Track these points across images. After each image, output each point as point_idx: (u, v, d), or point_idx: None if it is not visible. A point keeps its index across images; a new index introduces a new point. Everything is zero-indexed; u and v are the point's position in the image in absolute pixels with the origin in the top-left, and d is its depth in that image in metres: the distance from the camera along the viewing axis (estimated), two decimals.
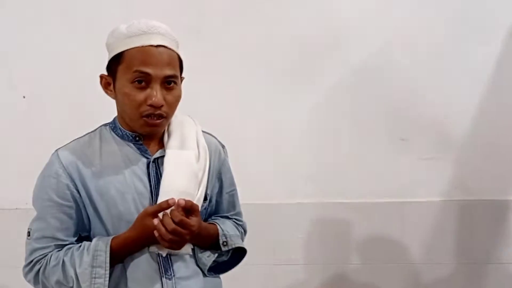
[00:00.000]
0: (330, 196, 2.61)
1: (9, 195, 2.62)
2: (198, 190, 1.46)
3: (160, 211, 1.35)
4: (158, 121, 1.42)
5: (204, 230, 1.49)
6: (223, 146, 1.68)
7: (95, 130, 1.55)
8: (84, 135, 1.54)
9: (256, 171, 2.60)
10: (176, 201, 1.34)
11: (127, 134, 1.49)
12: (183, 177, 1.43)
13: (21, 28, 2.63)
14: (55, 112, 2.64)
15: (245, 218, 2.42)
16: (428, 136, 2.59)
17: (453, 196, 2.59)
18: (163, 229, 1.32)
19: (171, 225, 1.32)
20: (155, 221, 1.33)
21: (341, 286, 2.64)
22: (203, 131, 1.60)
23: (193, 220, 1.36)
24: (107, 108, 2.38)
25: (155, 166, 1.48)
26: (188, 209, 1.36)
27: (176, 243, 1.35)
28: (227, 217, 1.68)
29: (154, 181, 1.46)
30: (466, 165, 2.60)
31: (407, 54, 2.57)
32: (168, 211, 1.35)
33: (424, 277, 2.63)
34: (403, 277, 2.63)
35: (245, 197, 2.48)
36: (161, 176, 1.44)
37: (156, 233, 1.33)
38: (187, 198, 1.37)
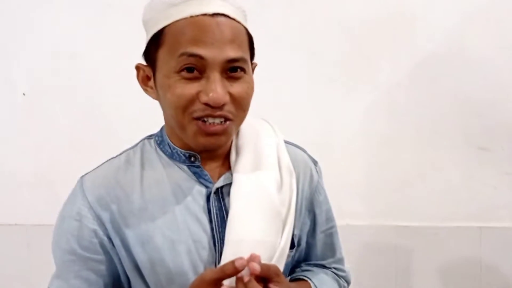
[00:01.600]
0: (387, 217, 2.24)
1: (6, 208, 2.37)
2: (282, 235, 1.05)
3: (223, 278, 0.94)
4: (220, 127, 0.99)
5: None
6: (315, 163, 1.25)
7: (136, 145, 1.16)
8: (121, 154, 1.14)
9: None
10: (246, 262, 0.93)
11: (178, 152, 1.09)
12: (259, 217, 1.04)
13: (21, 18, 2.33)
14: (60, 112, 2.34)
15: None
16: None
17: None
18: None
19: None
20: None
21: None
22: (286, 142, 1.19)
23: None
24: (122, 109, 2.11)
25: (219, 199, 1.08)
26: (265, 275, 0.96)
27: None
28: (323, 267, 1.26)
29: (217, 222, 1.06)
30: None
31: (488, 43, 2.16)
32: (244, 274, 0.94)
33: None
34: None
35: None
36: (227, 214, 1.06)
37: None
38: (266, 250, 1.00)
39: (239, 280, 0.92)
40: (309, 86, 2.23)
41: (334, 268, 1.26)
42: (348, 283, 1.29)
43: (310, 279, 1.16)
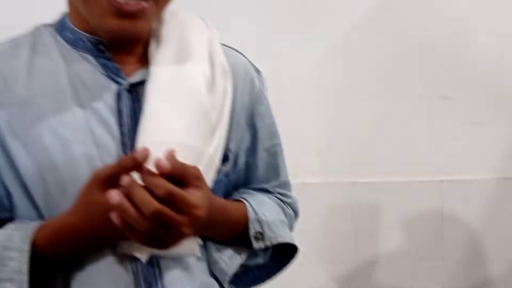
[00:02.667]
0: (345, 174, 2.11)
1: None
2: (211, 142, 0.85)
3: (119, 174, 0.72)
4: (137, 5, 0.80)
5: (220, 213, 0.87)
6: (257, 71, 1.05)
7: (27, 32, 0.92)
8: (11, 39, 0.91)
9: None
10: (151, 154, 0.72)
11: (83, 37, 0.87)
12: (181, 117, 0.83)
13: None
14: None
15: None
16: (478, 94, 2.06)
17: (510, 172, 2.06)
18: (131, 210, 0.69)
19: (151, 205, 0.69)
20: (113, 195, 0.70)
21: None
22: (224, 46, 0.98)
23: (196, 196, 0.73)
24: None
25: (133, 99, 0.87)
26: (180, 177, 0.73)
27: (161, 240, 0.73)
28: (266, 191, 1.06)
29: (130, 126, 0.85)
30: None
31: None
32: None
33: (471, 280, 2.10)
34: (442, 279, 2.10)
35: None
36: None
37: (116, 219, 0.70)
38: (189, 155, 0.78)
39: (143, 174, 0.72)
40: (255, 33, 2.05)
41: (279, 193, 1.07)
42: (296, 212, 1.11)
43: (247, 200, 0.97)
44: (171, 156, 0.73)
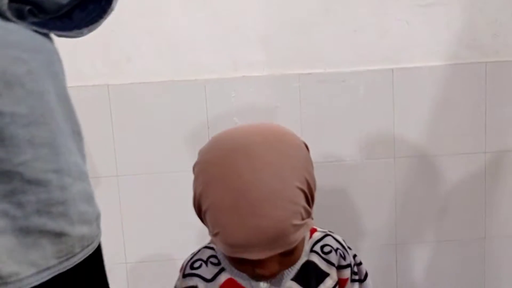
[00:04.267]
0: (290, 65, 1.92)
1: None
2: None
3: None
4: None
5: None
6: None
7: None
8: None
9: (181, 33, 1.88)
10: None
11: None
12: None
13: None
14: None
15: (161, 98, 1.89)
16: None
17: (464, 57, 1.92)
18: None
19: None
20: None
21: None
22: None
23: None
24: None
25: None
26: None
27: None
28: None
29: None
30: (481, 13, 1.90)
31: None
32: None
33: (423, 174, 2.00)
34: (394, 175, 1.99)
35: (170, 71, 1.88)
36: None
37: None
38: None
39: None
40: None
41: None
42: None
43: None
44: None
